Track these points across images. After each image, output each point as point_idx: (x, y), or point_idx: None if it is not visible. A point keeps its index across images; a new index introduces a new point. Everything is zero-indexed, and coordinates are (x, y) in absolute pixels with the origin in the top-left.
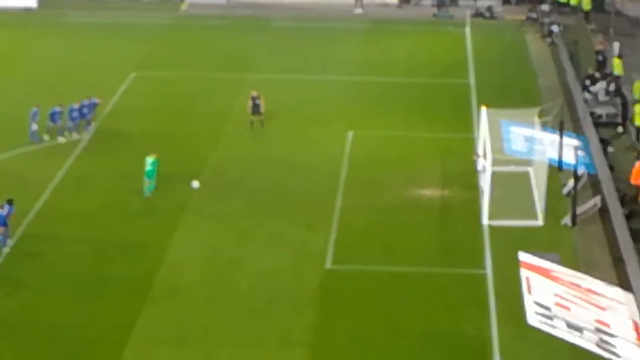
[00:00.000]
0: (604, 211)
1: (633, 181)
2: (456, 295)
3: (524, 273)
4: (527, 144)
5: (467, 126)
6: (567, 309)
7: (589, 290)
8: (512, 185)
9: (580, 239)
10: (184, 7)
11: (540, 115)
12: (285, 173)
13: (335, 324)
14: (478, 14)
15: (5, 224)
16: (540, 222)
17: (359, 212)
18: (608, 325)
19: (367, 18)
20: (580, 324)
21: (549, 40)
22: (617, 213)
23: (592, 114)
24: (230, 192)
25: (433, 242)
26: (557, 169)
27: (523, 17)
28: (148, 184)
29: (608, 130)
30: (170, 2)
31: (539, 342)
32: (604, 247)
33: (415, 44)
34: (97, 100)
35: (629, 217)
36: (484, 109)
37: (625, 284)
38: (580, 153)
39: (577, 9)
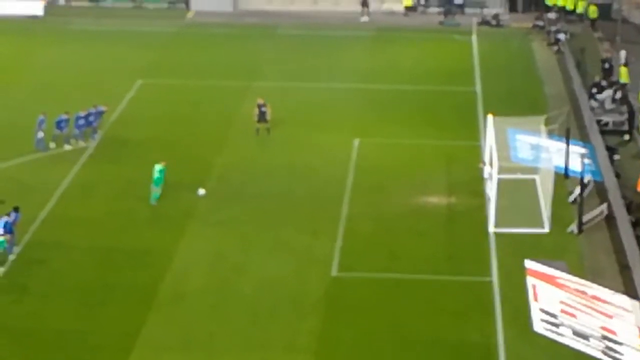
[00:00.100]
0: (610, 219)
1: (639, 189)
2: (462, 303)
3: (530, 280)
4: (534, 152)
5: (473, 134)
6: (573, 316)
7: (595, 298)
8: (518, 193)
9: (587, 247)
10: (190, 15)
11: (547, 123)
12: (291, 180)
13: (340, 330)
14: (484, 22)
15: (11, 232)
16: (546, 229)
17: (364, 219)
18: (614, 333)
19: (374, 26)
20: (587, 331)
21: (555, 48)
22: (623, 221)
23: (598, 121)
24: (235, 198)
25: (439, 249)
26: (563, 177)
27: (529, 25)
28: (154, 192)
29: (614, 138)
30: (176, 10)
31: (544, 349)
32: (610, 255)
33: (422, 52)
34: (103, 108)
35: (635, 224)
36: (490, 116)
37: (631, 292)
38: (587, 161)
39: (583, 17)
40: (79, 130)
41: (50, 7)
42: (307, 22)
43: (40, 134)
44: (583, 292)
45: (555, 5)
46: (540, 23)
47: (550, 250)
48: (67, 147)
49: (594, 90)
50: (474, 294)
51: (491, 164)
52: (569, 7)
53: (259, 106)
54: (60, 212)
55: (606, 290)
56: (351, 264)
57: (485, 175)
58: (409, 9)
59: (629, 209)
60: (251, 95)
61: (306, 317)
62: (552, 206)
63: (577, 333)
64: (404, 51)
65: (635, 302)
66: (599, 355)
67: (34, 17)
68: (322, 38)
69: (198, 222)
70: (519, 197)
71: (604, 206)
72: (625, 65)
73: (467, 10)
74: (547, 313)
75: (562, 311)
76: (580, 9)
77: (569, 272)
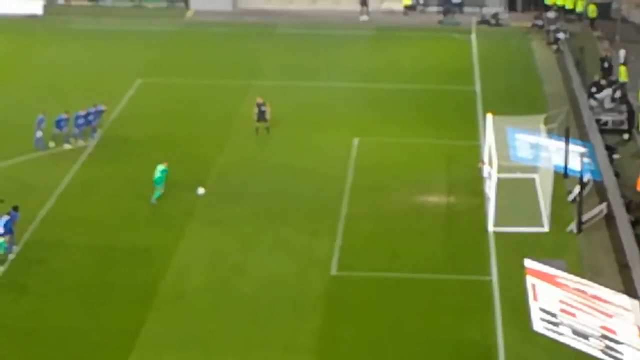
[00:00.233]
0: (609, 218)
1: (639, 188)
2: (461, 302)
3: (529, 280)
4: (533, 151)
5: (473, 133)
6: (573, 315)
7: (595, 297)
8: (518, 192)
9: (586, 246)
10: (189, 14)
11: (546, 122)
12: (290, 179)
13: (340, 330)
14: (484, 21)
15: (10, 231)
16: (545, 228)
17: (364, 218)
18: (614, 332)
19: (373, 25)
20: (586, 330)
21: (554, 47)
22: (622, 220)
23: (597, 121)
24: (235, 197)
25: (438, 248)
26: (562, 176)
27: (529, 24)
28: (156, 191)
29: (614, 137)
30: (176, 9)
31: (544, 348)
32: (610, 254)
33: (421, 51)
34: (103, 107)
35: (634, 224)
36: (489, 116)
37: (631, 291)
38: (586, 160)
39: (582, 16)
40: (78, 130)
41: (49, 6)
42: (307, 21)
43: (39, 133)
44: (583, 292)
45: (554, 4)
46: (540, 22)
47: (549, 250)
48: (67, 146)
49: (594, 89)
50: (473, 293)
51: (491, 163)
52: (569, 6)
53: (259, 105)
54: (59, 211)
55: (606, 289)
56: (351, 263)
57: (485, 174)
58: (408, 8)
59: (629, 208)
60: (251, 95)
61: (306, 316)
62: (552, 205)
63: (576, 332)
64: (403, 50)
65: (634, 301)
66: (598, 354)
67: (34, 16)
68: (321, 37)
69: (198, 221)
70: (519, 196)
71: (604, 205)
72: (625, 64)
73: (467, 9)
74: (546, 312)
75: (562, 310)
76: (579, 8)
77: (569, 272)
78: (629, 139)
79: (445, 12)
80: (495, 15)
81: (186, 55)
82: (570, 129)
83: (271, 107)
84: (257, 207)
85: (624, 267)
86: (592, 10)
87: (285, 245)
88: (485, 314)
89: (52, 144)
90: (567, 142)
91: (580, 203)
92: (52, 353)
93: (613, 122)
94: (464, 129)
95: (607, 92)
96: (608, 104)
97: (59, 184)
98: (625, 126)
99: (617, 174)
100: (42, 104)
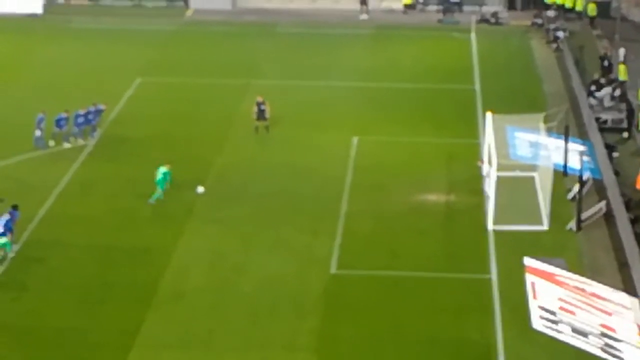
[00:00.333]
0: (609, 216)
1: (638, 186)
2: (461, 300)
3: (529, 278)
4: (533, 150)
5: (473, 132)
6: (573, 313)
7: (594, 295)
8: (517, 191)
9: (586, 244)
10: (189, 13)
11: (546, 120)
12: (290, 178)
13: (340, 329)
14: (483, 20)
15: (10, 230)
16: (545, 227)
17: (364, 217)
18: (613, 330)
19: (373, 24)
20: (586, 328)
21: (554, 46)
22: (622, 218)
23: (597, 119)
24: (235, 197)
25: (438, 247)
26: (562, 174)
27: (528, 22)
28: (157, 193)
29: (613, 135)
30: (175, 8)
31: (544, 346)
32: (609, 252)
33: (421, 50)
34: (102, 107)
35: (634, 222)
36: (489, 114)
37: (630, 289)
38: (586, 158)
39: (582, 14)
40: (78, 129)
41: (49, 5)
42: (307, 20)
43: (38, 132)
44: (582, 290)
45: (554, 3)
46: (539, 21)
47: (549, 248)
48: (66, 145)
49: (593, 87)
50: (473, 291)
51: (490, 162)
52: (568, 4)
53: (258, 104)
54: (59, 210)
55: (605, 287)
56: (351, 262)
57: (484, 173)
58: (408, 6)
59: (628, 206)
60: (250, 94)
61: (306, 315)
62: (551, 204)
63: (576, 330)
64: (403, 49)
65: (634, 300)
66: (598, 352)
67: (34, 15)
68: (321, 36)
69: (197, 220)
70: (518, 194)
71: (603, 203)
72: (624, 62)
73: (466, 8)
74: (546, 310)
75: (561, 308)
76: (579, 7)
77: (568, 270)
78: (629, 137)
79: (444, 11)
80: (494, 14)
81: (186, 54)
82: (569, 128)
83: (271, 106)
84: (257, 207)
85: (623, 265)
86: (592, 9)
87: (285, 245)
88: (484, 313)
89: (52, 143)
90: (566, 140)
91: (579, 201)
92: (51, 352)
93: (612, 120)
94: (464, 127)
95: (607, 90)
96: (607, 103)
97: (59, 183)
98: (624, 125)
99: (616, 173)
100: (41, 103)
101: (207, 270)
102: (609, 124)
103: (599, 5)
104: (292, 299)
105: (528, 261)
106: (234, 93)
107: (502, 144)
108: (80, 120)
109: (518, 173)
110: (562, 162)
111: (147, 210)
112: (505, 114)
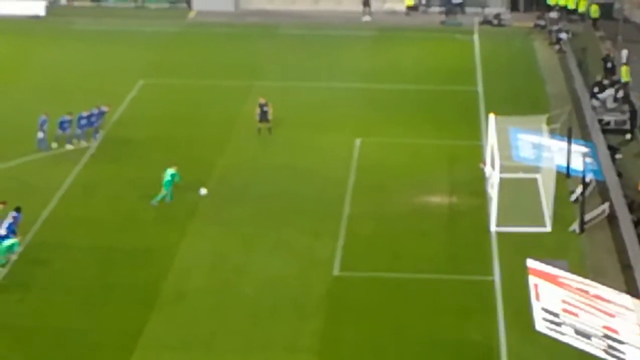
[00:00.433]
0: (612, 218)
1: None
2: (464, 302)
3: (532, 280)
4: (535, 151)
5: (475, 133)
6: (575, 315)
7: (597, 297)
8: (520, 192)
9: (588, 246)
10: (191, 14)
11: (549, 122)
12: (292, 180)
13: (342, 330)
14: (486, 22)
15: (13, 232)
16: (548, 228)
17: (366, 219)
18: (616, 332)
19: (375, 25)
20: (589, 330)
21: (557, 47)
22: (625, 220)
23: (600, 120)
24: (237, 198)
25: (441, 249)
26: (565, 176)
27: (531, 24)
28: (161, 194)
29: (616, 137)
30: (178, 9)
31: (546, 348)
32: (612, 254)
33: (423, 51)
34: (105, 109)
35: (637, 223)
36: (491, 116)
37: (633, 291)
38: (589, 160)
39: (585, 16)
40: (81, 130)
41: (52, 7)
42: (309, 21)
43: (41, 134)
44: (585, 291)
45: (556, 4)
46: (542, 22)
47: (552, 250)
48: (69, 147)
49: (596, 89)
50: (475, 293)
51: (493, 164)
52: (571, 6)
53: (261, 106)
54: (62, 212)
55: (608, 289)
56: (353, 264)
57: (487, 174)
58: (410, 8)
59: (631, 208)
60: (253, 95)
61: (308, 317)
62: (554, 205)
63: (579, 332)
64: (405, 51)
65: (637, 301)
66: (601, 354)
67: (36, 17)
68: (323, 38)
69: (200, 222)
70: (521, 196)
71: (606, 205)
72: (627, 64)
73: (469, 9)
74: (549, 312)
75: (564, 310)
76: (581, 8)
77: (571, 271)
78: (632, 139)
79: (447, 13)
80: (497, 16)
81: (188, 56)
82: (572, 129)
83: (273, 107)
84: (259, 208)
85: (626, 267)
86: (595, 11)
87: (287, 246)
88: (487, 314)
89: (54, 145)
90: (569, 142)
91: (582, 203)
92: (54, 353)
93: (615, 122)
94: (466, 129)
95: (610, 92)
96: (610, 104)
97: (61, 185)
98: (627, 126)
99: (619, 174)
100: (44, 105)
101: (209, 272)
102: (612, 126)
103: (601, 6)
104: (293, 300)
105: (531, 263)
106: (236, 94)
107: (505, 146)
108: (83, 122)
109: (521, 175)
110: (564, 164)
111: (149, 211)
112: (507, 115)
